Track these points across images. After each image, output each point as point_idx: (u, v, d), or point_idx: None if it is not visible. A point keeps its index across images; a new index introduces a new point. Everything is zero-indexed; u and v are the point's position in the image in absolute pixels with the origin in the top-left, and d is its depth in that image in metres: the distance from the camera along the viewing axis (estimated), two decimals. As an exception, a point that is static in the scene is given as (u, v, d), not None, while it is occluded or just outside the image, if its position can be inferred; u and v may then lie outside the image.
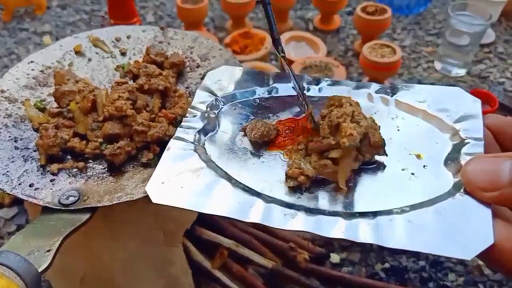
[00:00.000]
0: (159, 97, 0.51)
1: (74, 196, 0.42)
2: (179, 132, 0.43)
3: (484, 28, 1.00)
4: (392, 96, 0.43)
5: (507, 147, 0.36)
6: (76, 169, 0.46)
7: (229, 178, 0.38)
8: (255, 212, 0.34)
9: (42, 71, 0.57)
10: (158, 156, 0.43)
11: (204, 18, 1.16)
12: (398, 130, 0.40)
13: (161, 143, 0.46)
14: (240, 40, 1.05)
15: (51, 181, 0.44)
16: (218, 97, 0.46)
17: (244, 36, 1.06)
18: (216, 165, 0.39)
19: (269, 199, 0.36)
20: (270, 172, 0.39)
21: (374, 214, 0.33)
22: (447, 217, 0.32)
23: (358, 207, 0.35)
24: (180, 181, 0.38)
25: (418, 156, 0.38)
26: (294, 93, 0.46)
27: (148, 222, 0.50)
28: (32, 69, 0.57)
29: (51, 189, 0.43)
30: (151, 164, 0.45)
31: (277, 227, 0.34)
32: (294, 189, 0.37)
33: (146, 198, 0.41)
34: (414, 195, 0.35)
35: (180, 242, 0.54)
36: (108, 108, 0.46)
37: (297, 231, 0.36)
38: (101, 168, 0.46)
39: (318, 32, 1.22)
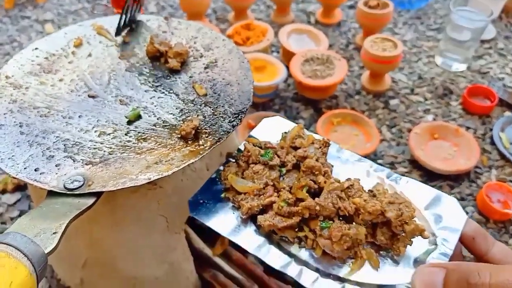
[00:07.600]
0: None
1: (79, 181, 0.43)
2: None
3: (485, 24, 1.00)
4: (399, 188, 0.46)
5: (476, 253, 0.41)
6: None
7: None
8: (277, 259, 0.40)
9: (46, 58, 0.58)
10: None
11: (207, 9, 1.16)
12: None
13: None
14: (242, 32, 1.05)
15: (56, 166, 0.45)
16: None
17: (246, 28, 1.06)
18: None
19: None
20: None
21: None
22: None
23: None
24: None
25: None
26: None
27: (150, 208, 0.51)
28: (37, 56, 0.58)
29: (56, 173, 0.44)
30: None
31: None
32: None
33: (149, 183, 0.42)
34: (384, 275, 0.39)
35: (182, 229, 0.55)
36: None
37: None
38: (107, 154, 0.47)
39: (319, 25, 1.22)
